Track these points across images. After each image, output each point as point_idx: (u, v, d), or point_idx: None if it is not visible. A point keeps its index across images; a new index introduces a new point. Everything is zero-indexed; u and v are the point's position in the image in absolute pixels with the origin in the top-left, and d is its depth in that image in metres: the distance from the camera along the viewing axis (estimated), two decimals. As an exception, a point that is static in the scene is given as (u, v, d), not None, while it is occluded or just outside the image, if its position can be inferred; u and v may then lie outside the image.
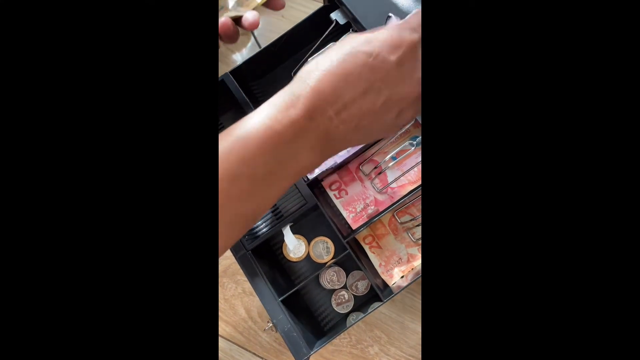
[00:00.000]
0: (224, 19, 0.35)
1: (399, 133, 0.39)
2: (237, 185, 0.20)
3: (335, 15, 0.39)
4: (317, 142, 0.21)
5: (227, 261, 0.60)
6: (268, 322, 0.48)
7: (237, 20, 0.36)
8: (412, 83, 0.22)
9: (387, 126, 0.23)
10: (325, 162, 0.42)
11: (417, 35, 0.21)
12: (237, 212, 0.21)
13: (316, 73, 0.21)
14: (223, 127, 0.44)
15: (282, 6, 0.37)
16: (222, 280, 0.60)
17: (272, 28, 0.57)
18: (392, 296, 0.35)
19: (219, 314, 0.59)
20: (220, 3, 0.37)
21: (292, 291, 0.37)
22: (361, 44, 0.21)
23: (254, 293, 0.58)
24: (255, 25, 0.35)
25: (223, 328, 0.59)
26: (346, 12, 0.38)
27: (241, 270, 0.59)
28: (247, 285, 0.60)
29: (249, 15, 0.35)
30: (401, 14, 0.35)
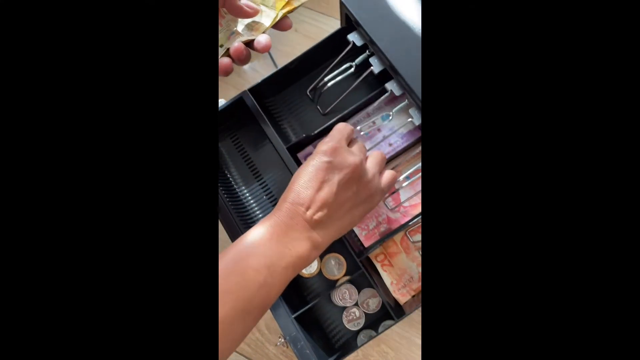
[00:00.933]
0: (237, 44, 0.36)
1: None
2: (245, 278, 0.26)
3: (352, 37, 0.40)
4: (303, 234, 0.29)
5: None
6: (280, 337, 0.49)
7: (248, 43, 0.38)
8: (348, 167, 0.31)
9: (355, 203, 0.32)
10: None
11: (333, 142, 0.32)
12: (248, 301, 0.26)
13: (291, 192, 0.30)
14: (239, 140, 0.45)
15: (290, 26, 0.39)
16: (230, 291, 0.61)
17: (285, 42, 0.58)
18: (405, 316, 0.36)
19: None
20: (232, 28, 0.38)
21: (305, 308, 0.38)
22: (312, 161, 0.31)
23: (261, 304, 0.59)
24: (267, 47, 0.38)
25: (230, 338, 0.59)
26: (363, 34, 0.39)
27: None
28: (255, 296, 0.61)
29: (261, 39, 0.37)
30: (414, 36, 0.36)
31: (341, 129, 0.34)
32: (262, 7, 0.39)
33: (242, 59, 0.37)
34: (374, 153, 0.35)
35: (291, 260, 0.28)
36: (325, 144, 0.32)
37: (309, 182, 0.30)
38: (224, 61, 0.36)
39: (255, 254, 0.27)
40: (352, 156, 0.32)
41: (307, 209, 0.29)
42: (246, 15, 0.36)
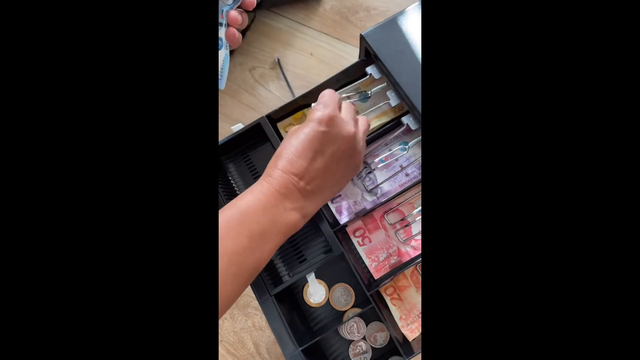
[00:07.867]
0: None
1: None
2: (238, 243, 0.27)
3: (370, 70, 0.40)
4: (295, 204, 0.30)
5: (238, 292, 0.60)
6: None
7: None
8: (343, 139, 0.31)
9: (345, 172, 0.33)
10: (355, 207, 0.42)
11: (328, 110, 0.31)
12: (241, 265, 0.27)
13: (282, 159, 0.30)
14: (252, 162, 0.45)
15: (239, 42, 0.41)
16: (233, 312, 0.60)
17: (299, 65, 0.58)
18: (414, 355, 0.35)
19: (228, 347, 0.58)
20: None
21: (312, 342, 0.37)
22: (302, 129, 0.31)
23: (263, 328, 0.58)
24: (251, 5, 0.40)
25: (230, 361, 0.58)
26: (381, 67, 0.39)
27: (253, 303, 0.59)
28: (257, 318, 0.59)
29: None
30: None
31: (332, 96, 0.33)
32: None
33: (240, 23, 0.40)
34: (361, 119, 0.35)
35: (282, 229, 0.29)
36: (319, 111, 0.31)
37: (303, 151, 0.29)
38: (230, 32, 0.39)
39: (249, 222, 0.27)
40: (347, 126, 0.31)
41: (301, 179, 0.29)
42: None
